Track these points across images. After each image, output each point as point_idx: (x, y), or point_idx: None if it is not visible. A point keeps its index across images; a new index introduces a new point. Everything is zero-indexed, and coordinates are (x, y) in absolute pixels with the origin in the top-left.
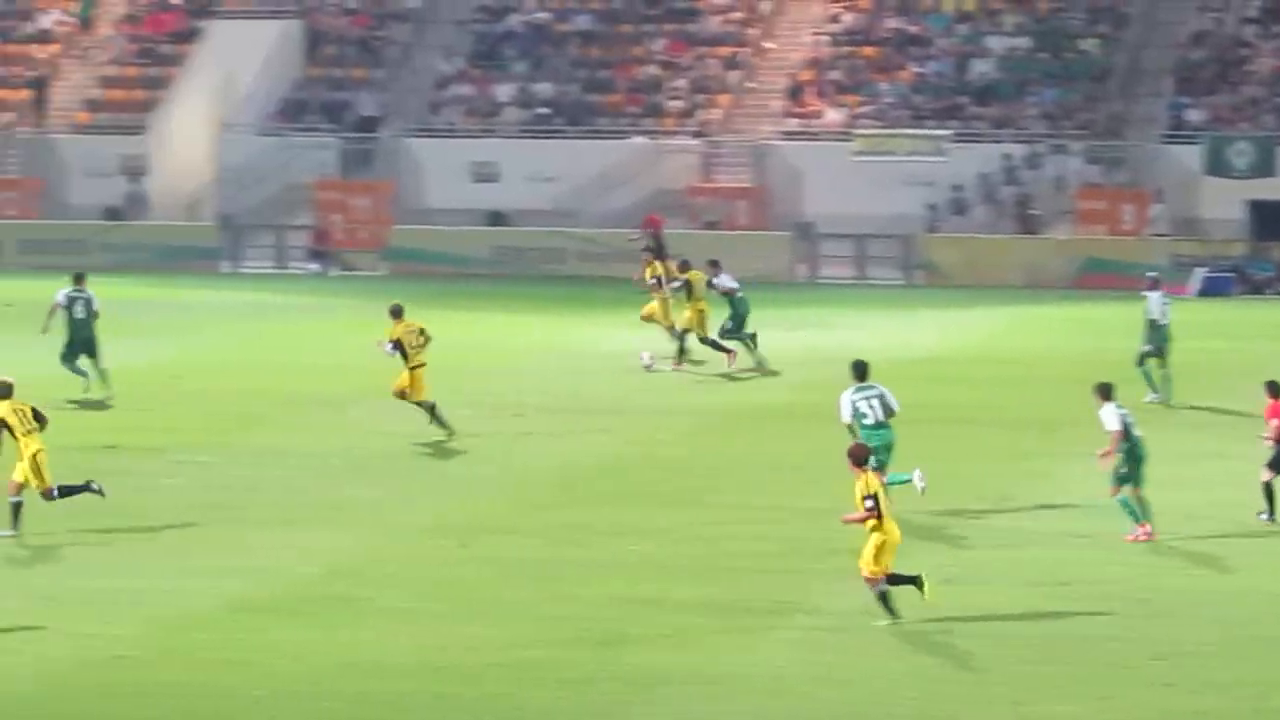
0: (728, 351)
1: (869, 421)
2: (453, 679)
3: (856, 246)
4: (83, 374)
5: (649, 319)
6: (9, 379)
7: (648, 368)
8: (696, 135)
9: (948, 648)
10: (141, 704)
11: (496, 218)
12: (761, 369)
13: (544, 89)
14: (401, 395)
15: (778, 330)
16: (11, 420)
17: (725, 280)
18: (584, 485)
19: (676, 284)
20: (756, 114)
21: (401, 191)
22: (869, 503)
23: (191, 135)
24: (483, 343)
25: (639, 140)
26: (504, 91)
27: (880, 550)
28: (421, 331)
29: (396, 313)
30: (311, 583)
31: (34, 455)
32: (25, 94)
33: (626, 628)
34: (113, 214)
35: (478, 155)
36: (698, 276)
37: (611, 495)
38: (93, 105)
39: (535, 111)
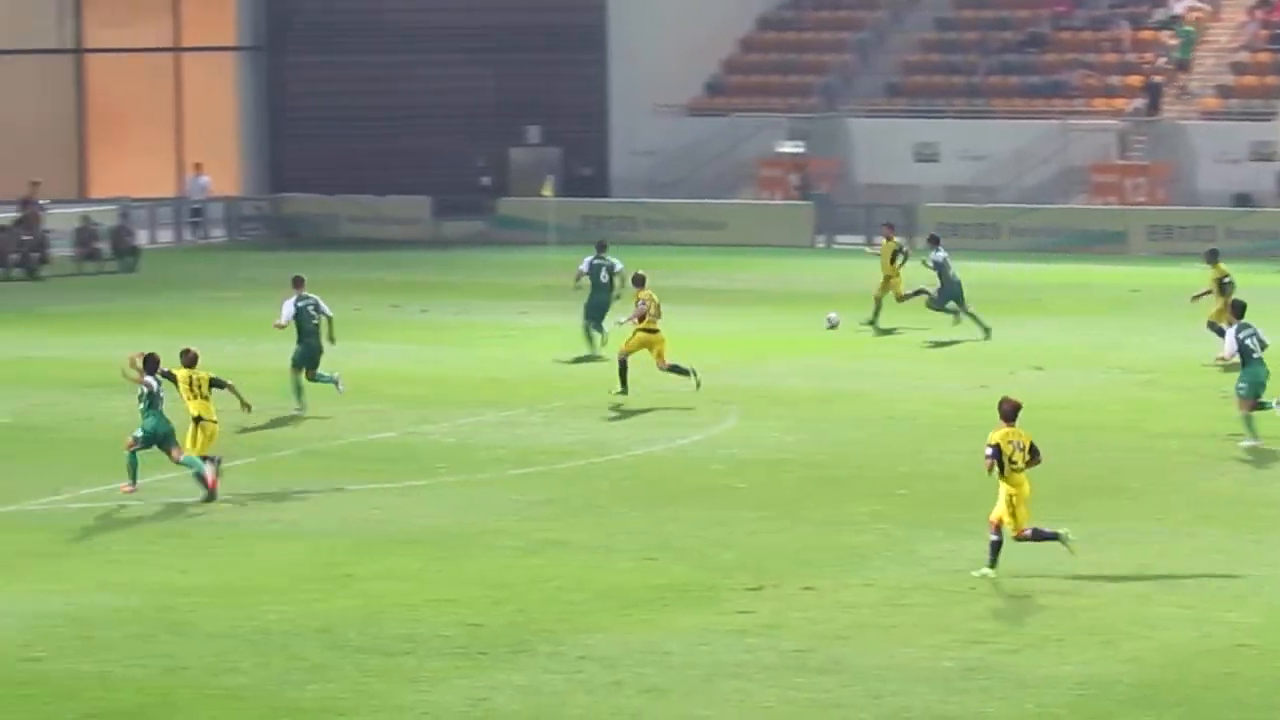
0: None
1: (1256, 355)
2: None
3: None
4: (600, 332)
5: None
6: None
7: (832, 325)
8: None
9: None
10: (1260, 692)
11: None
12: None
13: None
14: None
15: None
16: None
17: (937, 255)
18: None
19: None
20: None
21: None
22: (989, 451)
23: None
24: None
25: None
26: None
27: (1012, 504)
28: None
29: (638, 281)
30: None
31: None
32: (1151, 81)
33: None
34: (1242, 200)
35: None
36: None
37: None
38: (1223, 91)
39: None
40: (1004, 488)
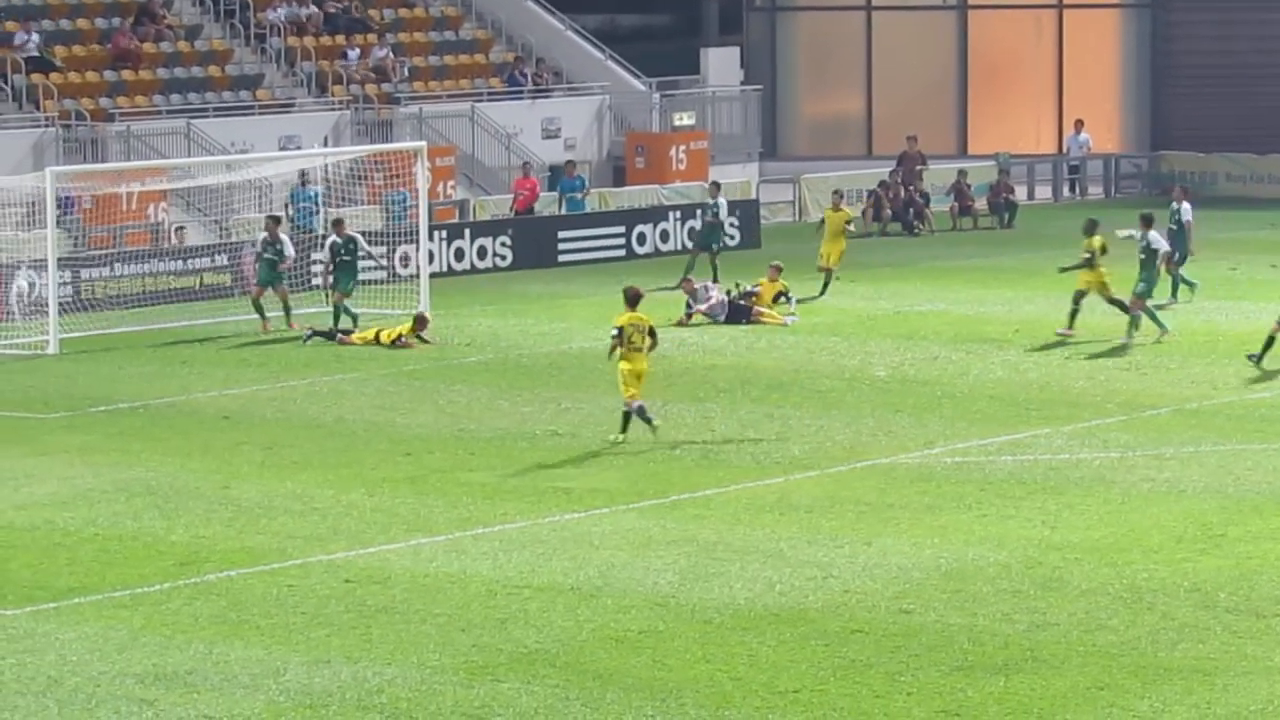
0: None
1: None
2: None
3: None
4: None
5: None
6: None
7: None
8: None
9: None
10: None
11: None
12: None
13: None
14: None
15: None
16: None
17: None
18: None
19: None
20: None
21: None
22: (614, 332)
23: None
24: None
25: None
26: None
27: (623, 377)
28: None
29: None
30: None
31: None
32: None
33: None
34: None
35: None
36: None
37: None
38: None
39: None
40: (623, 365)
